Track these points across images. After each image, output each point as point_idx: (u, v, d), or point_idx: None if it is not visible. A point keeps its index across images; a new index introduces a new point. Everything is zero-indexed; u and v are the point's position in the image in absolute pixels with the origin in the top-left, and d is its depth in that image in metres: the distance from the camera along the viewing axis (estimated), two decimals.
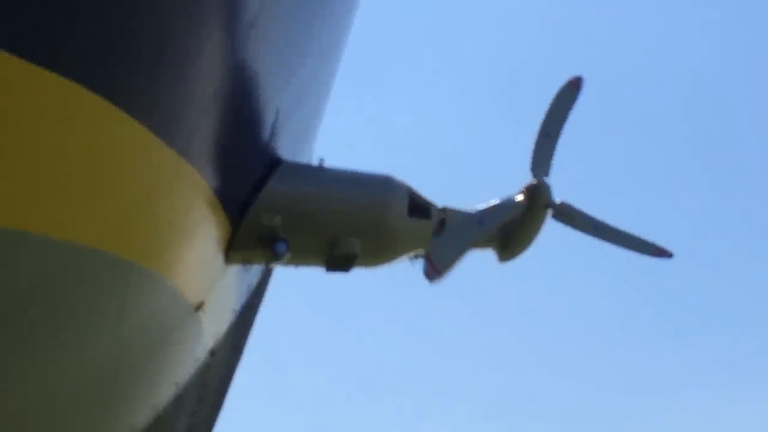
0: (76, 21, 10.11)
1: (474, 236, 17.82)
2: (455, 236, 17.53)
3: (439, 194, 17.82)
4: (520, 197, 18.39)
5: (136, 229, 12.21)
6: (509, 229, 18.71)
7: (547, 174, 18.61)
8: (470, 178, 48.93)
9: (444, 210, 17.89)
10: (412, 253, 17.85)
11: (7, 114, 9.76)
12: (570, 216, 19.14)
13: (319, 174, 16.80)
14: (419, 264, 18.04)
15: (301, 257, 16.49)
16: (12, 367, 11.38)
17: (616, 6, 58.52)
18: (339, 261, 16.62)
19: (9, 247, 10.27)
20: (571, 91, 18.60)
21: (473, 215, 17.99)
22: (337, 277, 17.25)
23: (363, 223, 16.54)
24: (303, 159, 18.27)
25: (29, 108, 9.99)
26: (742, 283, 54.03)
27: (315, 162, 17.44)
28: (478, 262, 19.30)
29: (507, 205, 18.28)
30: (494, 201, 18.53)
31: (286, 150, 16.56)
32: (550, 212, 18.82)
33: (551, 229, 19.15)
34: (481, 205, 18.34)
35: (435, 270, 17.21)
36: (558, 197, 18.90)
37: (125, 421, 14.30)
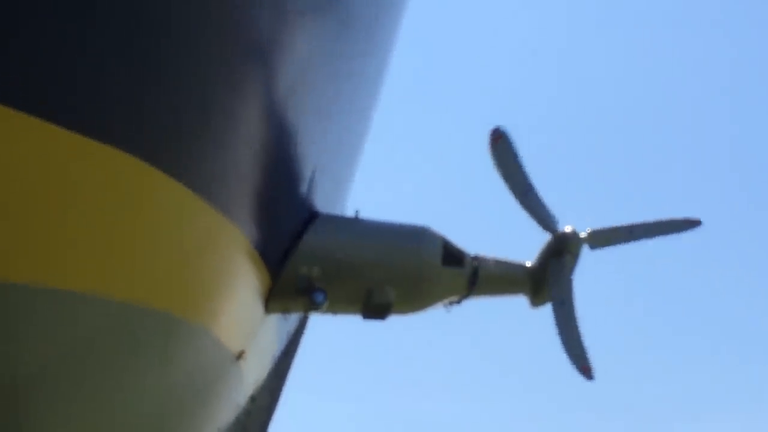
0: (118, 91, 10.52)
1: (573, 318, 18.34)
2: (568, 333, 18.20)
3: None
4: (559, 252, 18.86)
5: (181, 286, 12.70)
6: (539, 275, 19.07)
7: (556, 223, 19.01)
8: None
9: (477, 258, 18.30)
10: (447, 300, 18.26)
11: (58, 184, 10.25)
12: (605, 239, 19.57)
13: (354, 225, 17.25)
14: (452, 310, 18.52)
15: (338, 306, 16.91)
16: (64, 417, 11.85)
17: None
18: (375, 309, 17.02)
19: (66, 305, 10.76)
20: (499, 145, 18.67)
21: (554, 302, 18.54)
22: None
23: (398, 272, 16.95)
24: (338, 210, 18.74)
25: (78, 176, 10.46)
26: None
27: (350, 212, 17.94)
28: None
29: (562, 269, 18.71)
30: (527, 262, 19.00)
31: (321, 202, 17.04)
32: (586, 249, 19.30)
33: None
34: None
35: (585, 369, 17.96)
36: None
37: None
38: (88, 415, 12.04)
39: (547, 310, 18.99)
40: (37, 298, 10.35)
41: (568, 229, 19.12)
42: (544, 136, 53.40)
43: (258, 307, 15.78)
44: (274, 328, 17.84)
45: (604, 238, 19.67)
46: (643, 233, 20.11)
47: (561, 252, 18.89)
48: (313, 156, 16.10)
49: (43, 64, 9.70)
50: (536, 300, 19.34)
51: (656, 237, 20.11)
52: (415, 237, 17.35)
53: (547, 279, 18.92)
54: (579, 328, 18.37)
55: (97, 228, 10.80)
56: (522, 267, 19.17)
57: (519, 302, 19.49)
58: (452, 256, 17.70)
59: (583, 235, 19.28)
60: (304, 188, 16.08)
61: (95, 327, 11.44)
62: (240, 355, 15.51)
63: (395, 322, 17.82)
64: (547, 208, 18.97)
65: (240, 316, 15.20)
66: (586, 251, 19.34)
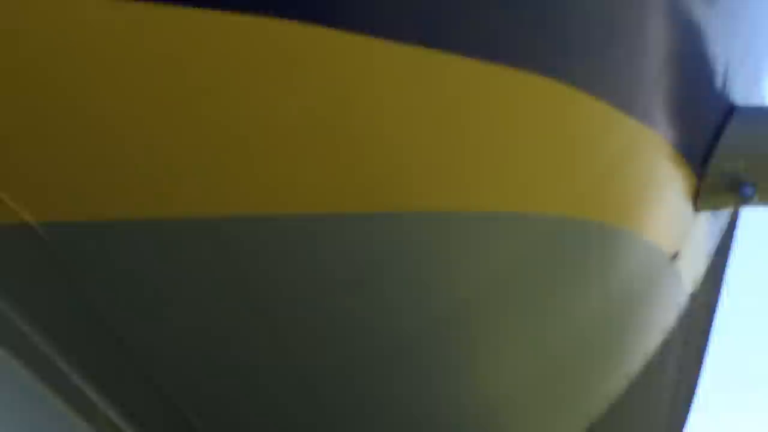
0: (532, 17, 10.75)
1: None
2: None
3: None
4: None
5: (609, 196, 13.17)
6: None
7: None
8: None
9: None
10: None
11: (492, 113, 10.87)
12: None
13: None
14: None
15: None
16: (510, 336, 12.69)
17: None
18: None
19: (507, 226, 11.49)
20: None
21: None
22: None
23: None
24: (756, 101, 18.39)
25: (510, 105, 11.02)
26: None
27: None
28: None
29: None
30: None
31: (739, 95, 16.83)
32: None
33: None
34: None
35: None
36: None
37: (623, 370, 15.38)
38: (534, 332, 12.82)
39: None
40: (483, 223, 11.14)
41: None
42: None
43: (687, 207, 15.94)
44: (705, 226, 17.90)
45: None
46: None
47: None
48: (726, 48, 15.93)
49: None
50: None
51: None
52: None
53: None
54: None
55: (531, 152, 11.44)
56: None
57: None
58: None
59: None
60: (719, 83, 15.97)
61: (533, 244, 12.14)
62: (675, 256, 15.80)
63: None
64: None
65: (670, 218, 15.45)
66: None
